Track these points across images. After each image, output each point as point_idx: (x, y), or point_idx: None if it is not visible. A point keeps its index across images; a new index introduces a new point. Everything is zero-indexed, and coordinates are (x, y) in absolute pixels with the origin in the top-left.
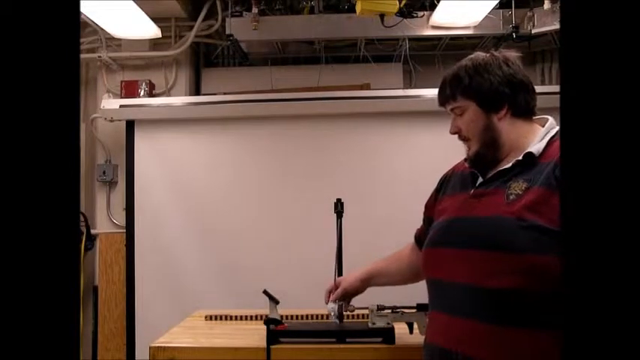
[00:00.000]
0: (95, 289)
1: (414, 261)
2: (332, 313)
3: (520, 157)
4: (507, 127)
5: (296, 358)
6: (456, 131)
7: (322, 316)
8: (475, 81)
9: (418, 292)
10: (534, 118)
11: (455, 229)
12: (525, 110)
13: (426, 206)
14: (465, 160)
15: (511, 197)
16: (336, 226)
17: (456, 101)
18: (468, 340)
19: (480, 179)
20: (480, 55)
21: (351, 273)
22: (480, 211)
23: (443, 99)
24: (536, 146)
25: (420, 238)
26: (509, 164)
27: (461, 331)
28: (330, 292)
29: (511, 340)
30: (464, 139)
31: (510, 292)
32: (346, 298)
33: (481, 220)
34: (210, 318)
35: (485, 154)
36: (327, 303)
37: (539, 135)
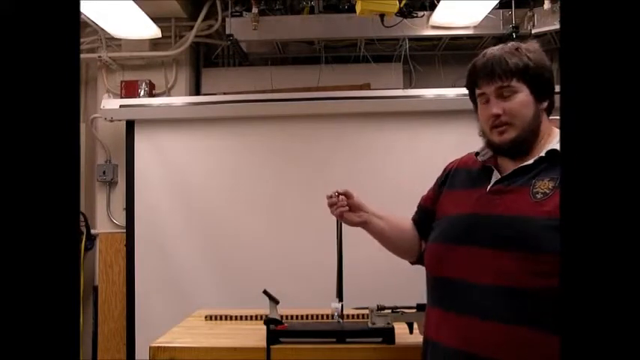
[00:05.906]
0: (95, 289)
1: (412, 238)
2: (336, 313)
3: (543, 154)
4: (543, 120)
5: (296, 358)
6: (499, 113)
7: (322, 316)
8: (536, 65)
9: (418, 292)
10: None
11: (475, 226)
12: (552, 108)
13: (424, 197)
14: (491, 145)
15: (538, 196)
16: (336, 226)
17: (510, 81)
18: (499, 344)
19: (496, 175)
20: (530, 42)
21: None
22: (504, 210)
23: (498, 74)
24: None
25: (416, 224)
26: (532, 161)
27: (488, 334)
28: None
29: (543, 344)
30: (505, 123)
31: (545, 294)
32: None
33: (505, 219)
34: (210, 318)
35: (524, 142)
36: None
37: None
